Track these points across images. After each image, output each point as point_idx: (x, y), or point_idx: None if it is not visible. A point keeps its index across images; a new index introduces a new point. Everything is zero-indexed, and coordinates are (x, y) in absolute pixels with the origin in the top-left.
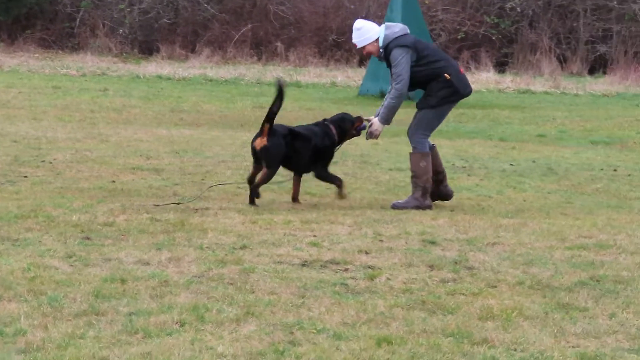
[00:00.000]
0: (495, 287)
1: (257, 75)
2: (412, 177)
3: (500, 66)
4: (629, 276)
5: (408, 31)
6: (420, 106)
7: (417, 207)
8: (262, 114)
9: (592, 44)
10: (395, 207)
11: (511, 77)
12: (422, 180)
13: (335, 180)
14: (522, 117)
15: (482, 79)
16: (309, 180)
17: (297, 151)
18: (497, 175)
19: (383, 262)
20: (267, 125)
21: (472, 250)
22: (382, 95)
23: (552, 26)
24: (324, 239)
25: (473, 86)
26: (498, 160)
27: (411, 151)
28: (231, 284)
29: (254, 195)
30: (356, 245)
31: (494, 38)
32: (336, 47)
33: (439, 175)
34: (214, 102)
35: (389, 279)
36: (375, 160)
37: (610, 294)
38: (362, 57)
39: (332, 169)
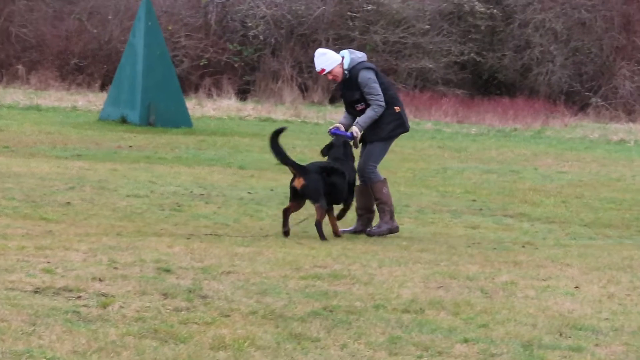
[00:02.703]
0: (229, 316)
1: None
2: (378, 204)
3: (242, 94)
4: (362, 307)
5: (366, 58)
6: (370, 139)
7: (390, 230)
8: None
9: None
10: (370, 234)
11: (253, 104)
12: (387, 205)
13: None
14: (263, 145)
15: (223, 106)
16: (44, 205)
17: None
18: (234, 203)
19: (117, 290)
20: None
21: (206, 279)
22: (123, 120)
23: (295, 55)
24: (58, 265)
25: (214, 113)
26: (236, 188)
27: (369, 183)
28: None
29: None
30: (90, 272)
31: (236, 65)
32: (78, 71)
33: (370, 214)
34: None
35: (122, 307)
36: (113, 187)
37: (342, 325)
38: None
39: (69, 194)
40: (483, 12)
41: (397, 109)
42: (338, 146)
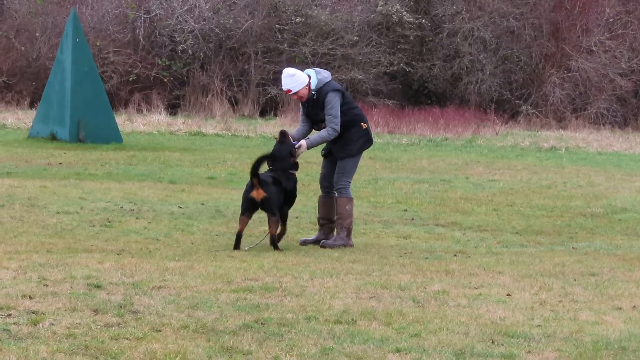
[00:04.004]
0: (160, 331)
1: None
2: (338, 219)
3: (172, 108)
4: (294, 319)
5: (331, 76)
6: (341, 156)
7: (344, 246)
8: None
9: (263, 87)
10: (324, 246)
11: (183, 119)
12: (347, 222)
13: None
14: (193, 159)
15: (153, 121)
16: None
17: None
18: (165, 218)
19: (47, 307)
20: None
21: (137, 294)
22: (53, 137)
23: (224, 68)
24: None
25: (144, 128)
26: (167, 202)
27: (336, 196)
28: None
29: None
30: (20, 290)
31: (165, 80)
32: (7, 88)
33: (331, 224)
34: None
35: (52, 324)
36: (43, 204)
37: (274, 337)
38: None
39: None
40: (411, 23)
41: (364, 125)
42: (282, 158)
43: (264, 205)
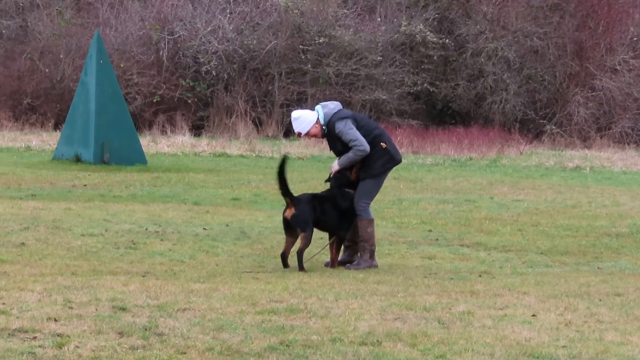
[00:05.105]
0: (185, 353)
1: None
2: (361, 241)
3: (197, 129)
4: (319, 340)
5: (341, 106)
6: (362, 176)
7: (368, 267)
8: None
9: (287, 107)
10: (348, 269)
11: (207, 140)
12: (369, 244)
13: None
14: (217, 180)
15: (177, 142)
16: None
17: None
18: (190, 239)
19: (72, 330)
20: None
21: (162, 316)
22: (77, 159)
23: (248, 89)
24: (13, 306)
25: (168, 149)
26: (191, 224)
27: (357, 218)
28: None
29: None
30: (45, 312)
31: (189, 101)
32: (31, 110)
33: (356, 245)
34: None
35: (77, 346)
36: (68, 226)
37: (299, 359)
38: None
39: (24, 234)
40: (435, 42)
41: (383, 145)
42: (339, 176)
43: (293, 221)
